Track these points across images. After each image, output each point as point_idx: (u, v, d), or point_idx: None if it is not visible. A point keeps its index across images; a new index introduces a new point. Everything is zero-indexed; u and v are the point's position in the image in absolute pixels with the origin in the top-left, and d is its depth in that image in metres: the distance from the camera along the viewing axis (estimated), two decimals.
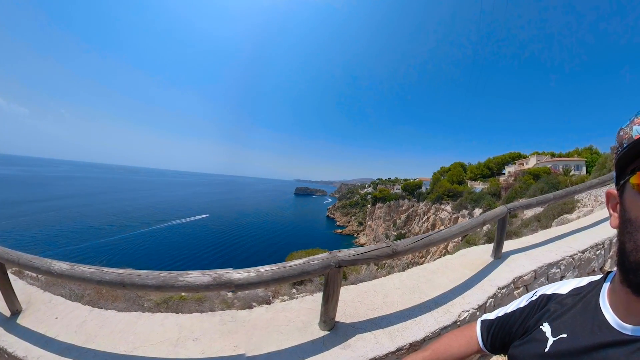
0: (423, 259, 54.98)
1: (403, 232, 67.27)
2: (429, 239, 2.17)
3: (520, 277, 3.16)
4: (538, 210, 23.59)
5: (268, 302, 9.49)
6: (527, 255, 3.61)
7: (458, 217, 47.27)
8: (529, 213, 25.09)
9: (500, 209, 3.31)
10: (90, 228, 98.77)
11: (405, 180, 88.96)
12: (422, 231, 56.82)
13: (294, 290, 9.96)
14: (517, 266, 3.32)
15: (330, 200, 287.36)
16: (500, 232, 3.42)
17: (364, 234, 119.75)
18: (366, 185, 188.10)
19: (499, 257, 3.51)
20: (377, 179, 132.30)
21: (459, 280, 2.95)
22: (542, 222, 17.33)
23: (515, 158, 55.02)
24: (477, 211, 42.82)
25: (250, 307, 9.13)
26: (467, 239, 20.37)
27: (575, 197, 18.70)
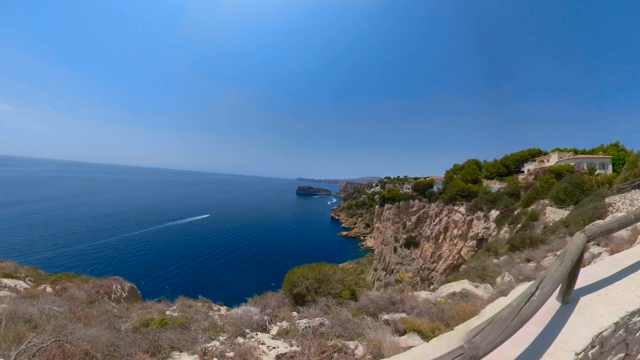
0: (435, 264, 54.30)
1: (413, 235, 66.54)
2: (521, 316, 1.52)
3: (600, 333, 2.51)
4: (564, 213, 22.79)
5: (264, 328, 8.74)
6: (602, 298, 2.93)
7: (472, 219, 46.44)
8: (554, 217, 24.31)
9: (580, 237, 2.64)
10: (81, 230, 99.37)
11: (416, 179, 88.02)
12: (433, 235, 56.02)
13: (294, 314, 9.23)
14: (593, 316, 2.66)
15: (335, 200, 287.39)
16: (575, 269, 2.74)
17: (371, 237, 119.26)
18: (373, 185, 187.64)
19: (567, 300, 2.85)
20: (386, 178, 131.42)
21: (524, 342, 2.30)
22: (571, 228, 16.58)
23: (535, 155, 54.03)
24: (494, 213, 41.99)
25: (244, 335, 8.25)
26: (487, 247, 19.69)
27: (607, 200, 17.90)
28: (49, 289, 13.93)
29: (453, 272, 47.05)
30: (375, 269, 74.38)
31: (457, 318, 5.44)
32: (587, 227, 2.95)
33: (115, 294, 16.47)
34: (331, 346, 5.84)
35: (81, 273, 20.38)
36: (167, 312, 12.39)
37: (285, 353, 5.89)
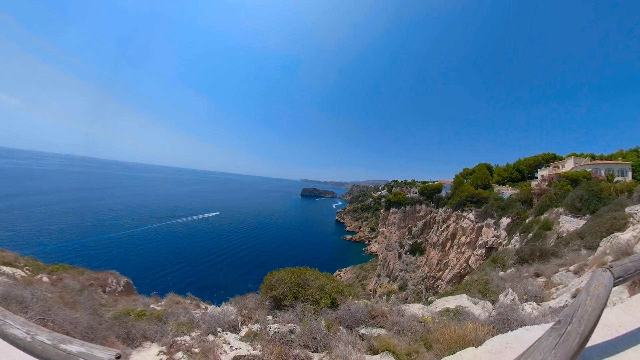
0: (441, 272, 53.23)
1: (419, 241, 65.48)
2: None
3: None
4: (580, 223, 21.79)
5: (235, 329, 8.37)
6: None
7: (482, 226, 45.32)
8: (568, 226, 23.29)
9: (605, 277, 1.89)
10: (83, 224, 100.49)
11: (423, 183, 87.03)
12: (440, 241, 54.93)
13: (269, 318, 8.75)
14: None
15: (340, 203, 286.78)
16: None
17: (375, 242, 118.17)
18: (380, 188, 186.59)
19: None
20: (392, 181, 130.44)
21: None
22: (587, 240, 15.65)
23: (549, 160, 52.75)
24: (505, 220, 40.87)
25: (215, 333, 8.01)
26: (494, 258, 18.83)
27: (627, 210, 16.90)
28: (45, 279, 14.24)
29: (460, 281, 45.93)
30: (379, 275, 73.40)
31: (442, 341, 5.08)
32: (614, 262, 2.14)
33: (110, 287, 16.51)
34: (294, 356, 5.73)
35: (81, 266, 21.12)
36: (152, 306, 12.20)
37: (245, 355, 5.93)
